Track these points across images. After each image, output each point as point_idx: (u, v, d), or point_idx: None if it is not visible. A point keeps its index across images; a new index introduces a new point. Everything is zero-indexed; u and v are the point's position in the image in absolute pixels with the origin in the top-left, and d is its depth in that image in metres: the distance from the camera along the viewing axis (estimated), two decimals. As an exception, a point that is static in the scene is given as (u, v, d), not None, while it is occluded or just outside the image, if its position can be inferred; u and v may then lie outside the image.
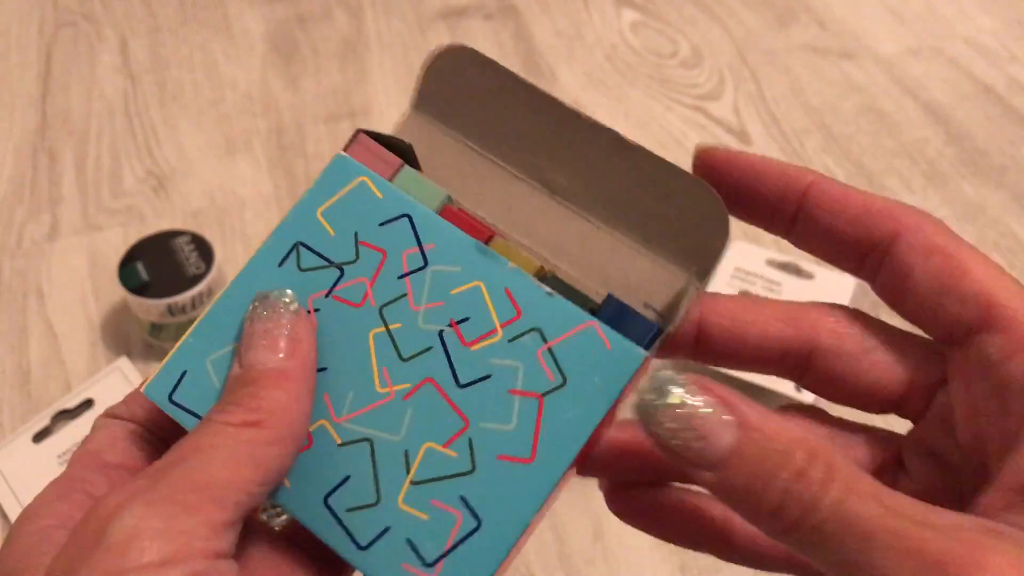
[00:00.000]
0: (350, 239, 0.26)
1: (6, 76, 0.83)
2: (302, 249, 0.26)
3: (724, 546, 0.26)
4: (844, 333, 0.25)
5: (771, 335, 0.25)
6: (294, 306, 0.25)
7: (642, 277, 0.25)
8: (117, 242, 0.68)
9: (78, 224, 0.70)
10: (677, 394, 0.21)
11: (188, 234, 0.61)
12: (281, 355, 0.24)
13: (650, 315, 0.25)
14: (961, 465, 0.24)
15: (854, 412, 0.26)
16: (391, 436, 0.24)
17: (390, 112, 0.78)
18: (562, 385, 0.24)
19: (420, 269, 0.25)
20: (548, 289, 0.25)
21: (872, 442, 0.26)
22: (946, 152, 0.73)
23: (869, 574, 0.19)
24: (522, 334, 0.24)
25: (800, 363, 0.25)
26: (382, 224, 0.26)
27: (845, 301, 0.58)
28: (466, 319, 0.24)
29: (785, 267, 0.62)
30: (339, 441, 0.24)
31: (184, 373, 0.25)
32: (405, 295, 0.25)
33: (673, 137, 0.75)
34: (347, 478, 0.24)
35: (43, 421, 0.57)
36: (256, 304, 0.25)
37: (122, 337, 0.63)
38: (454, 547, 0.23)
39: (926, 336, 0.24)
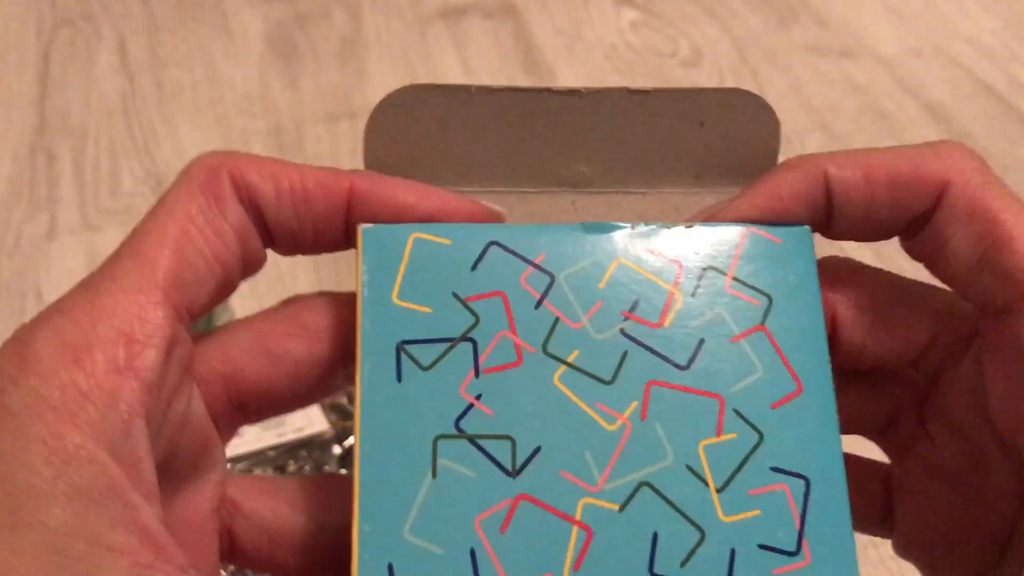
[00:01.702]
0: (454, 303, 0.21)
1: (4, 76, 0.83)
2: (409, 348, 0.21)
3: None
4: (860, 303, 0.23)
5: None
6: None
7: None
8: (116, 242, 0.68)
9: (76, 224, 0.70)
10: None
11: (187, 234, 0.61)
12: None
13: None
14: (989, 442, 0.22)
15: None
16: (663, 463, 0.20)
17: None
18: (770, 304, 0.21)
19: (551, 285, 0.21)
20: (683, 224, 0.22)
21: (869, 480, 0.25)
22: (947, 152, 0.73)
23: None
24: (700, 281, 0.22)
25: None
26: (474, 267, 0.21)
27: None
28: (636, 303, 0.21)
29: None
30: (617, 508, 0.20)
31: (391, 566, 0.19)
32: (558, 319, 0.21)
33: (673, 137, 0.75)
34: (655, 536, 0.20)
35: (41, 422, 0.56)
36: None
37: (120, 338, 0.63)
38: (804, 517, 0.20)
39: (946, 288, 0.23)
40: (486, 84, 0.22)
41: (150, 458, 0.18)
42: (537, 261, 0.21)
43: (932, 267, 0.22)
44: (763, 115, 0.23)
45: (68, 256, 0.68)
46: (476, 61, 0.83)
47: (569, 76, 0.81)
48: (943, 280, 0.22)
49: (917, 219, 0.22)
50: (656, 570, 0.20)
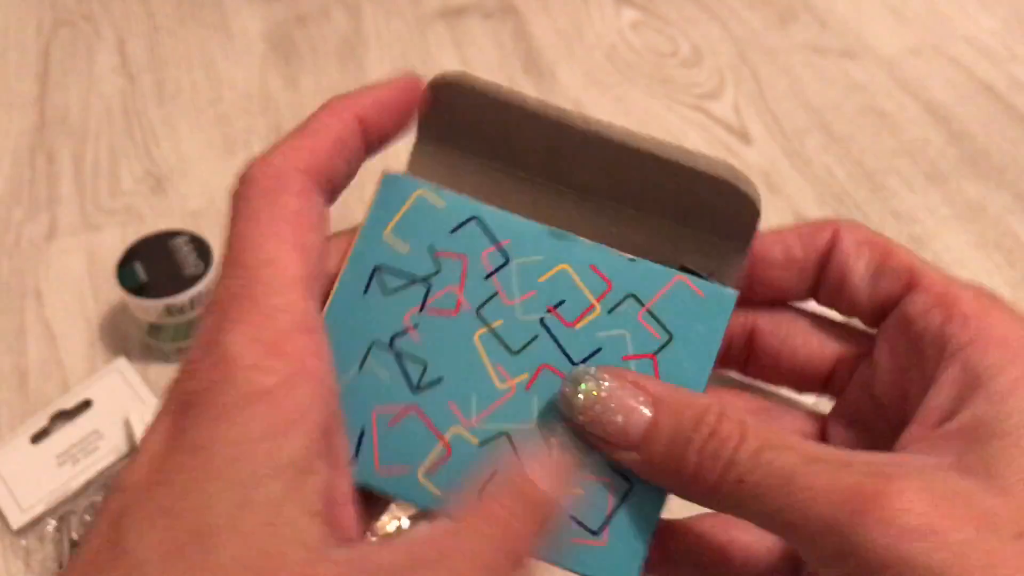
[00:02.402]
0: (426, 252, 0.26)
1: (4, 76, 0.83)
2: (382, 273, 0.26)
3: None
4: (779, 316, 0.28)
5: None
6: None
7: (688, 247, 0.27)
8: (115, 242, 0.68)
9: (76, 224, 0.70)
10: (592, 384, 0.23)
11: (186, 234, 0.61)
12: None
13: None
14: (881, 426, 0.26)
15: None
16: (525, 425, 0.25)
17: (389, 112, 0.78)
18: (669, 341, 0.25)
19: (504, 265, 0.26)
20: (629, 256, 0.26)
21: (799, 415, 0.29)
22: (947, 152, 0.73)
23: (791, 516, 0.21)
24: (619, 303, 0.25)
25: (743, 347, 0.28)
26: (452, 231, 0.26)
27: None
28: (562, 302, 0.25)
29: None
30: (477, 442, 0.25)
31: (361, 433, 0.25)
32: (497, 293, 0.26)
33: (673, 136, 0.75)
34: (494, 472, 0.24)
35: (41, 422, 0.56)
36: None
37: (120, 338, 0.63)
38: (614, 511, 0.24)
39: (850, 322, 0.28)
40: (530, 87, 0.27)
41: (342, 429, 0.23)
42: (502, 244, 0.26)
43: (838, 297, 0.27)
44: (744, 194, 0.25)
45: (68, 256, 0.68)
46: (476, 61, 0.83)
47: (569, 76, 0.81)
48: (846, 303, 0.27)
49: (817, 264, 0.27)
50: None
